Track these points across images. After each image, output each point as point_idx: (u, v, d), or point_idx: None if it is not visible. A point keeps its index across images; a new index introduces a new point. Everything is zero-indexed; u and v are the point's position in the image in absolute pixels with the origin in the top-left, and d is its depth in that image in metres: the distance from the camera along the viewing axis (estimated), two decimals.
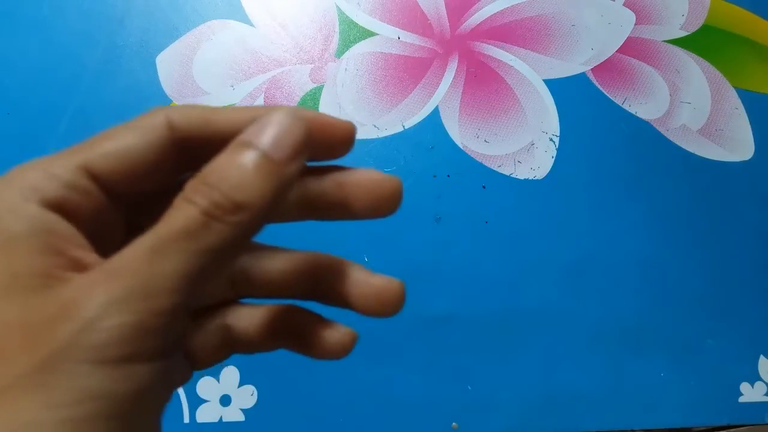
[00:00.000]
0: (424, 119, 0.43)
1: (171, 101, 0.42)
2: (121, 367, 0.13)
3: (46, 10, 0.43)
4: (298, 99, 0.42)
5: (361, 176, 0.18)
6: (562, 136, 0.43)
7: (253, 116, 0.15)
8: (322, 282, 0.19)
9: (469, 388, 0.38)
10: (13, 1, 0.43)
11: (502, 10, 0.46)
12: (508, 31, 0.45)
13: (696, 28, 0.47)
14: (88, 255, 0.15)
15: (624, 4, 0.47)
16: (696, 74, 0.46)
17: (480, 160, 0.42)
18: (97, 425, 0.13)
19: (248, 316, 0.19)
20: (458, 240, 0.40)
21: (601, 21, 0.46)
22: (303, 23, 0.44)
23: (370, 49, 0.44)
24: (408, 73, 0.44)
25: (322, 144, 0.17)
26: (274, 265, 0.19)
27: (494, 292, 0.40)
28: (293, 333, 0.19)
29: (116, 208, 0.16)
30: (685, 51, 0.46)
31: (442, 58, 0.44)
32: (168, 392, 0.16)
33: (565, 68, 0.45)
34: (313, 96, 0.43)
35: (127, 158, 0.16)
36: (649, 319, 0.40)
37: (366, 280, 0.18)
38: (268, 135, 0.15)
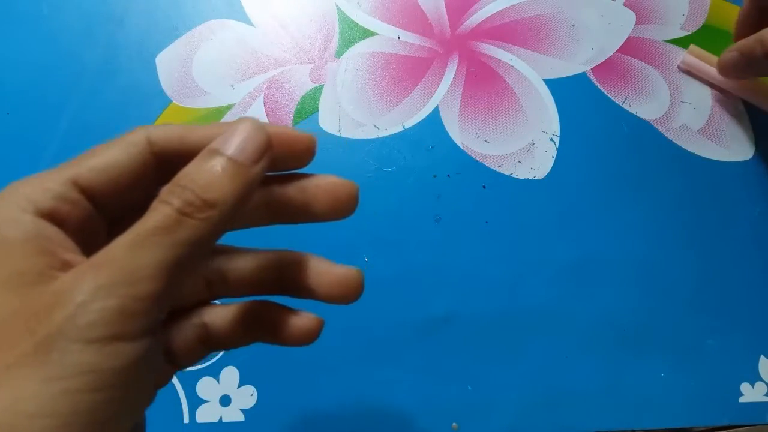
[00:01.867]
0: (424, 119, 0.43)
1: (171, 101, 0.42)
2: (107, 346, 0.15)
3: (46, 9, 0.43)
4: (298, 99, 0.42)
5: (321, 181, 0.20)
6: (562, 136, 0.43)
7: (223, 130, 0.18)
8: (290, 276, 0.21)
9: (469, 388, 0.38)
10: (13, 0, 0.43)
11: (502, 10, 0.46)
12: (508, 31, 0.45)
13: (696, 28, 0.47)
14: (77, 257, 0.17)
15: (624, 4, 0.47)
16: None
17: (480, 160, 0.42)
18: (86, 397, 0.15)
19: (223, 314, 0.21)
20: (458, 240, 0.40)
21: (601, 21, 0.46)
22: (303, 23, 0.44)
23: (370, 49, 0.44)
24: (408, 73, 0.44)
25: (287, 154, 0.19)
26: (246, 264, 0.21)
27: (494, 292, 0.40)
28: (264, 325, 0.21)
29: (102, 218, 0.19)
30: (685, 51, 0.46)
31: (442, 58, 0.44)
32: (150, 376, 0.17)
33: (565, 68, 0.45)
34: (313, 96, 0.43)
35: (111, 172, 0.18)
36: (649, 319, 0.40)
37: (328, 270, 0.20)
38: (233, 142, 0.17)
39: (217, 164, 0.17)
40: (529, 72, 0.44)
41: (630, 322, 0.40)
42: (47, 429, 0.14)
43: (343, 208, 0.20)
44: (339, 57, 0.44)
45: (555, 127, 0.43)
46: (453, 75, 0.44)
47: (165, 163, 0.18)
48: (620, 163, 0.43)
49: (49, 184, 0.17)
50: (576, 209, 0.42)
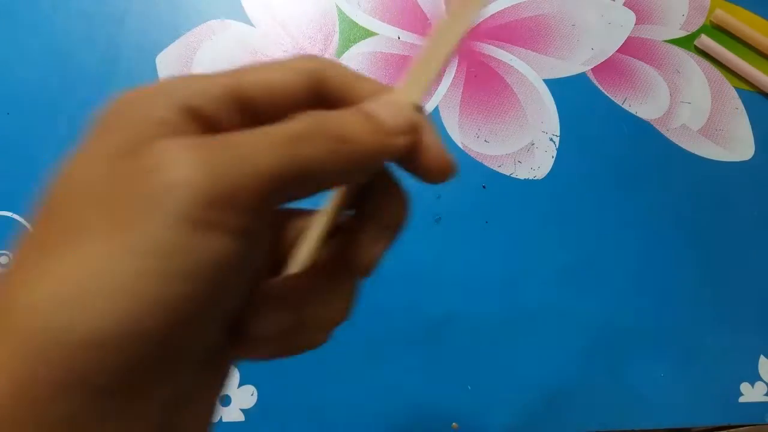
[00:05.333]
0: None
1: None
2: (201, 230, 0.13)
3: (46, 9, 0.43)
4: None
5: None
6: (562, 136, 0.43)
7: (386, 93, 0.18)
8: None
9: (469, 388, 0.38)
10: (13, 0, 0.43)
11: (502, 10, 0.46)
12: (508, 31, 0.45)
13: (696, 28, 0.47)
14: None
15: (624, 4, 0.47)
16: (696, 74, 0.46)
17: (480, 160, 0.42)
18: (167, 282, 0.13)
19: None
20: (458, 240, 0.40)
21: (601, 21, 0.46)
22: (303, 23, 0.44)
23: (370, 49, 0.44)
24: None
25: (422, 159, 0.18)
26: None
27: (494, 292, 0.39)
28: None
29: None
30: (685, 51, 0.46)
31: None
32: (236, 297, 0.15)
33: (565, 68, 0.45)
34: None
35: (272, 89, 0.17)
36: (649, 319, 0.40)
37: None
38: (389, 109, 0.17)
39: (363, 117, 0.16)
40: (529, 72, 0.44)
41: (630, 322, 0.40)
42: (114, 307, 0.12)
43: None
44: (339, 57, 0.44)
45: (555, 127, 0.43)
46: (453, 75, 0.44)
47: (319, 96, 0.17)
48: (620, 163, 0.43)
49: (207, 87, 0.15)
50: (576, 209, 0.42)
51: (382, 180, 0.19)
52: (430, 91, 0.23)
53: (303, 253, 0.18)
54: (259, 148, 0.14)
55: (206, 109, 0.15)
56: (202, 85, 0.15)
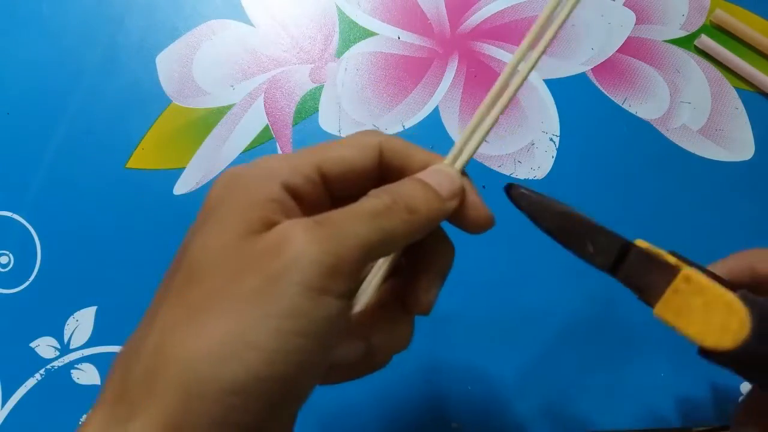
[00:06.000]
0: (424, 119, 0.43)
1: (171, 101, 0.42)
2: (319, 295, 0.17)
3: (46, 9, 0.43)
4: (298, 99, 0.42)
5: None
6: (562, 136, 0.43)
7: (435, 162, 0.22)
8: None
9: (469, 388, 0.38)
10: (13, 0, 0.43)
11: (502, 10, 0.46)
12: (508, 31, 0.45)
13: (696, 28, 0.47)
14: None
15: (624, 4, 0.47)
16: (696, 74, 0.46)
17: (480, 160, 0.42)
18: (292, 338, 0.16)
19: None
20: (458, 240, 0.40)
21: (601, 21, 0.46)
22: (303, 23, 0.44)
23: (370, 49, 0.44)
24: (408, 73, 0.44)
25: (464, 214, 0.23)
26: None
27: (494, 292, 0.40)
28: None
29: (328, 201, 0.21)
30: (685, 51, 0.46)
31: (442, 58, 0.44)
32: (332, 347, 0.18)
33: (566, 68, 0.45)
34: (313, 96, 0.43)
35: (347, 165, 0.21)
36: (650, 319, 0.40)
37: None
38: (439, 179, 0.21)
39: (424, 188, 0.20)
40: None
41: (630, 322, 0.40)
42: (254, 360, 0.16)
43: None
44: (339, 57, 0.44)
45: (555, 127, 0.43)
46: (453, 75, 0.44)
47: (381, 165, 0.22)
48: (620, 163, 0.43)
49: (299, 167, 0.20)
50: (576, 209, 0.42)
51: (433, 234, 0.22)
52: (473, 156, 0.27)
53: (367, 294, 0.22)
54: (354, 224, 0.18)
55: (299, 185, 0.19)
56: (295, 165, 0.20)
